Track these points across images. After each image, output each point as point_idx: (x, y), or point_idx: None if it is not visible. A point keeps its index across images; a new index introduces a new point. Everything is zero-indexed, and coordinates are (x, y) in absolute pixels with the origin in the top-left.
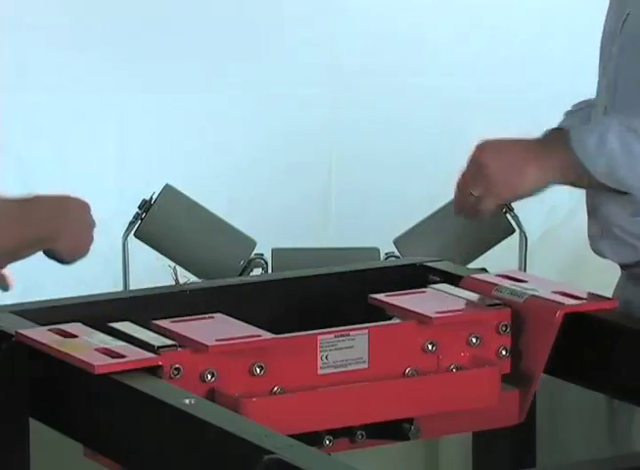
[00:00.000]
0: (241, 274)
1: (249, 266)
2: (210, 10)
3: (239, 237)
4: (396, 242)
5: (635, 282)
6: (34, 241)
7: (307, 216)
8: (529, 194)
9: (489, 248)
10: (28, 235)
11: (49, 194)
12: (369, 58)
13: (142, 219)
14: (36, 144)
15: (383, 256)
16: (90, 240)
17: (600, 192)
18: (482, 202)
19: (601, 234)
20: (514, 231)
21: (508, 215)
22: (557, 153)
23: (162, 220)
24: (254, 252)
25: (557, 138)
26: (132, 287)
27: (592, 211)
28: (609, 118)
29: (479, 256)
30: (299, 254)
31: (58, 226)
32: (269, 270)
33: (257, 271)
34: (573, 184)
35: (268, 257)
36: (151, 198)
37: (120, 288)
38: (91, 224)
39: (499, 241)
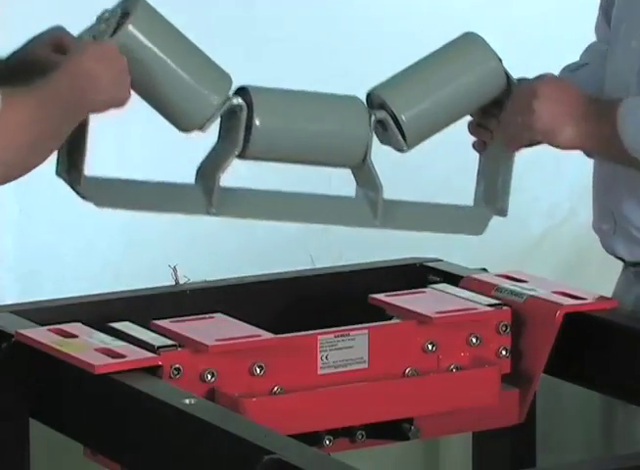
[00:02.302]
0: (224, 125)
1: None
2: (210, 10)
3: (217, 71)
4: (378, 88)
5: None
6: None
7: None
8: (561, 148)
9: (482, 102)
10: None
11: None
12: (369, 63)
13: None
14: None
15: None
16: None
17: (617, 190)
18: (522, 130)
19: (614, 232)
20: (509, 90)
21: (506, 70)
22: (603, 123)
23: (135, 44)
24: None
25: (609, 108)
26: (132, 287)
27: (603, 209)
28: None
29: (469, 111)
30: (282, 96)
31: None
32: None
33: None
34: (601, 155)
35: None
36: (115, 11)
37: (121, 288)
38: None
39: (492, 95)
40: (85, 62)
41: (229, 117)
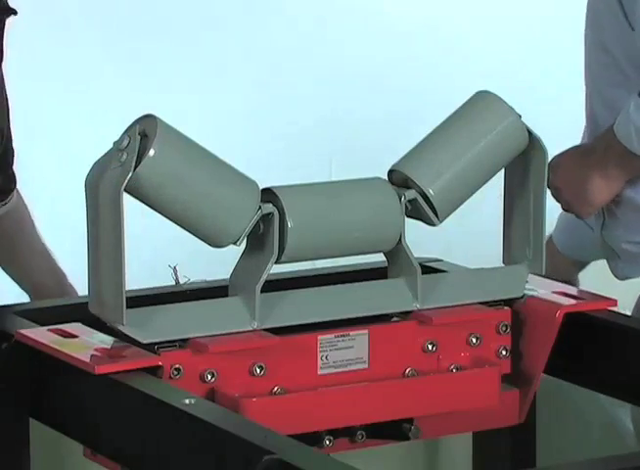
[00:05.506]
0: (253, 230)
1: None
2: (211, 10)
3: (245, 182)
4: (400, 164)
5: None
6: None
7: None
8: (607, 201)
9: (507, 160)
10: None
11: None
12: (370, 58)
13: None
14: (36, 144)
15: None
16: None
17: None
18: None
19: (618, 258)
20: (531, 144)
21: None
22: (612, 157)
23: (160, 172)
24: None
25: (607, 140)
26: (132, 287)
27: (605, 242)
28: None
29: (495, 172)
30: (310, 194)
31: None
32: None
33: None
34: (634, 174)
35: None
36: (132, 135)
37: None
38: None
39: (516, 152)
40: None
41: (258, 222)
